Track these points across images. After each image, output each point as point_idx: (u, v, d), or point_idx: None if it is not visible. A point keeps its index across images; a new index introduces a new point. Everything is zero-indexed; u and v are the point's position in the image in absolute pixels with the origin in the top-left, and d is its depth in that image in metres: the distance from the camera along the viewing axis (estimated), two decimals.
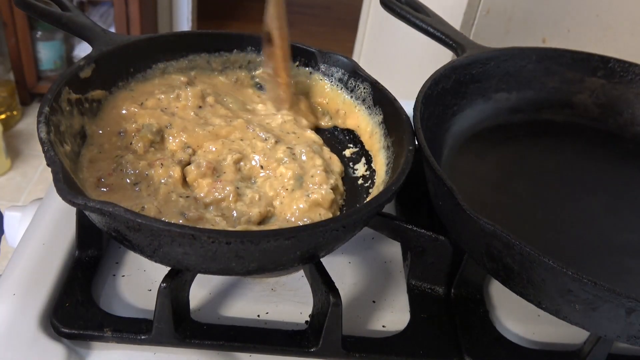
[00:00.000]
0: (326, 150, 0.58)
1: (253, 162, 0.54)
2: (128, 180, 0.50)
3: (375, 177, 0.56)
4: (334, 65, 0.62)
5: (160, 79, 0.60)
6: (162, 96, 0.58)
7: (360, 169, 0.59)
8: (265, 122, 0.60)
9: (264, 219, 0.50)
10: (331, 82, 0.63)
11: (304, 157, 0.55)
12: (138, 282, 0.53)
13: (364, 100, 0.60)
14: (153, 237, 0.40)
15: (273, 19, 0.59)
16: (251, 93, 0.64)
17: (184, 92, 0.58)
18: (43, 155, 0.42)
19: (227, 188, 0.50)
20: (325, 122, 0.63)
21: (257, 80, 0.65)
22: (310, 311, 0.51)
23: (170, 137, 0.55)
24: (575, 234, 0.56)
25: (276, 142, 0.56)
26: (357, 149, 0.61)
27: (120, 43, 0.57)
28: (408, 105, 0.56)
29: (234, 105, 0.61)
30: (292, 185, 0.52)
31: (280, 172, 0.53)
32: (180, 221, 0.47)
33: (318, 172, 0.53)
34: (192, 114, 0.57)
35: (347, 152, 0.61)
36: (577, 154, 0.68)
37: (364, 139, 0.60)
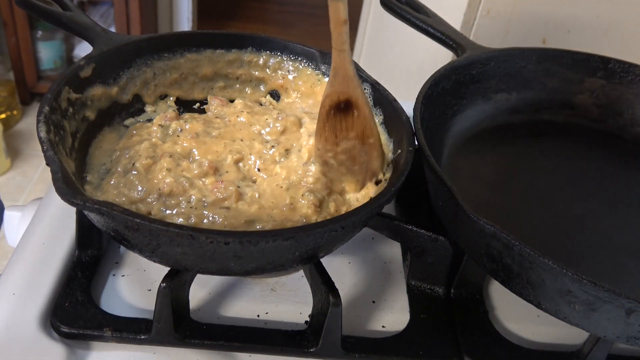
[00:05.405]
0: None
1: (250, 163, 0.54)
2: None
3: None
4: None
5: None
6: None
7: None
8: (277, 124, 0.60)
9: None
10: None
11: (301, 158, 0.55)
12: (138, 282, 0.53)
13: None
14: (152, 237, 0.40)
15: (350, 83, 0.49)
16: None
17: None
18: (43, 154, 0.42)
19: (230, 188, 0.50)
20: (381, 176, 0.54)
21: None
22: (310, 311, 0.51)
23: (185, 143, 0.55)
24: (575, 235, 0.56)
25: (277, 142, 0.56)
26: None
27: (120, 43, 0.57)
28: (408, 106, 0.56)
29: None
30: (287, 185, 0.52)
31: (276, 171, 0.53)
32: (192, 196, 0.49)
33: (311, 179, 0.53)
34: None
35: None
36: (577, 154, 0.68)
37: None
